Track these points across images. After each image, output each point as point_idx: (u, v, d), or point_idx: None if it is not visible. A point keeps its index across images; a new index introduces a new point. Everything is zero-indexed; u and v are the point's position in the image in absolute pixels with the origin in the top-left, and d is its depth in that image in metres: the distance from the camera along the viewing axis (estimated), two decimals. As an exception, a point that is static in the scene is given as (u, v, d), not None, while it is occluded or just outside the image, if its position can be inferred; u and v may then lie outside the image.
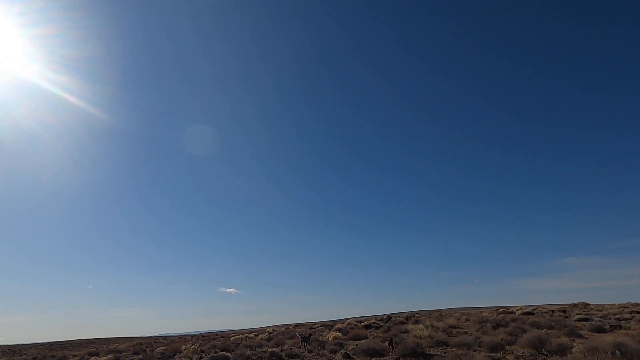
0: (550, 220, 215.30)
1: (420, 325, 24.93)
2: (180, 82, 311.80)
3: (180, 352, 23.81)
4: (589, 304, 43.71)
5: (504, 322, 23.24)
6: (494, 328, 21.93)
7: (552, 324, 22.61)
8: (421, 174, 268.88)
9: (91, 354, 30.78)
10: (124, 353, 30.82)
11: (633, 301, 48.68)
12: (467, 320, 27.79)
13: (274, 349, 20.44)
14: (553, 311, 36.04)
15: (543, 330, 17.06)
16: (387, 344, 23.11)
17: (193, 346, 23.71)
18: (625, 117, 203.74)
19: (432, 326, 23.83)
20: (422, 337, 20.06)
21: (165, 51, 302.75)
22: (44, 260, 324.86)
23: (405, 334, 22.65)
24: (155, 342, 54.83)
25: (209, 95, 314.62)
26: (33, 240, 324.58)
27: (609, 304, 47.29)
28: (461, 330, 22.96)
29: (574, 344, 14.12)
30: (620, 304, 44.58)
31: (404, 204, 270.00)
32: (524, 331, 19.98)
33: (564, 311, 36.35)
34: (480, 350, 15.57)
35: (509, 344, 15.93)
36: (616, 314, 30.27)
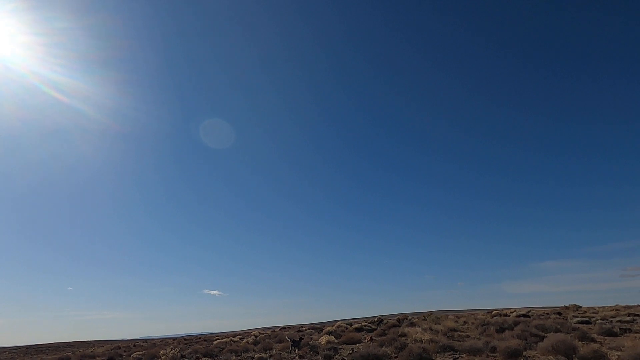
0: (531, 226, 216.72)
1: (418, 329, 23.07)
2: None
3: (157, 358, 21.43)
4: (581, 306, 42.64)
5: (507, 324, 21.53)
6: (498, 331, 20.20)
7: (558, 327, 20.98)
8: (406, 178, 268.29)
9: (62, 360, 28.01)
10: (97, 359, 28.20)
11: (622, 304, 48.00)
12: (465, 322, 26.07)
13: (261, 354, 18.33)
14: (547, 313, 34.66)
15: (563, 334, 15.30)
16: (367, 339, 21.28)
17: (172, 351, 21.38)
18: (604, 130, 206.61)
19: (430, 329, 22.01)
20: (424, 341, 18.20)
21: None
22: (23, 262, 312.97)
23: (403, 338, 20.76)
24: (134, 345, 51.88)
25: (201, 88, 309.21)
26: (11, 241, 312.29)
27: (599, 307, 46.38)
28: (462, 333, 21.18)
29: (605, 350, 12.38)
30: (610, 307, 43.64)
31: (387, 209, 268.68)
32: (533, 335, 18.33)
33: (559, 313, 34.97)
34: (495, 357, 13.75)
35: (525, 348, 14.13)
36: (613, 317, 28.92)
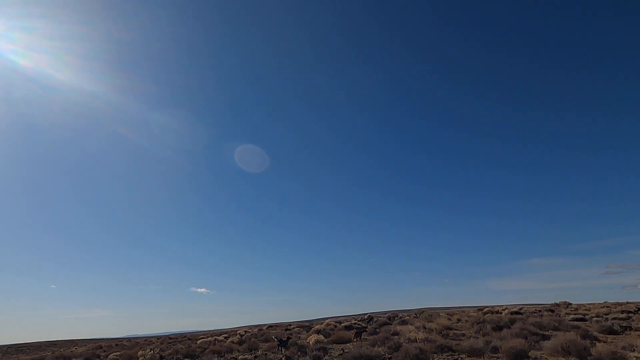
0: (517, 223, 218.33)
1: (411, 327, 21.93)
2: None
3: (135, 359, 19.91)
4: (571, 303, 42.14)
5: (503, 322, 20.50)
6: (495, 330, 19.15)
7: (556, 324, 20.05)
8: (393, 175, 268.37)
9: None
10: (74, 359, 26.50)
11: (610, 300, 47.76)
12: (459, 320, 25.03)
13: (245, 355, 16.95)
14: (540, 310, 33.93)
15: (571, 333, 14.24)
16: (352, 335, 20.06)
17: (151, 352, 19.88)
18: (602, 116, 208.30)
19: (424, 327, 20.86)
20: (418, 340, 17.03)
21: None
22: (5, 260, 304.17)
23: (396, 337, 19.58)
24: (117, 344, 50.01)
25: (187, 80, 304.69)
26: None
27: (588, 303, 46.01)
28: (458, 332, 20.09)
29: (620, 351, 11.30)
30: (600, 303, 43.26)
31: (372, 206, 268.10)
32: (533, 333, 17.31)
33: (552, 310, 34.29)
34: (498, 358, 12.61)
35: (529, 348, 13.02)
36: (607, 314, 28.19)
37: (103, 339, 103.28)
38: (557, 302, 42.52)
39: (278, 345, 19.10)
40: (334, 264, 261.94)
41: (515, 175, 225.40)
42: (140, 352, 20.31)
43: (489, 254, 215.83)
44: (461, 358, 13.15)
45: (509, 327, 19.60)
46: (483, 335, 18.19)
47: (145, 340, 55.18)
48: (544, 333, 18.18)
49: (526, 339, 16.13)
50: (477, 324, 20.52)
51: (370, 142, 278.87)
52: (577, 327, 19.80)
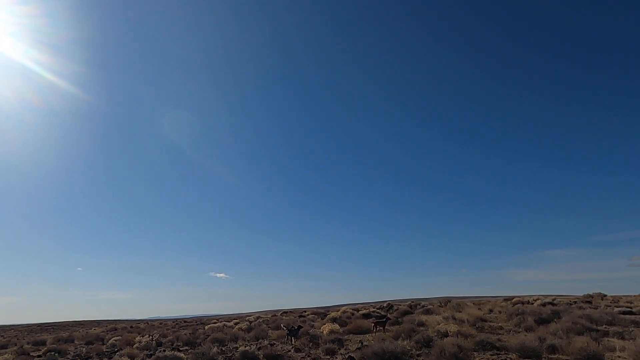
0: (537, 213, 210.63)
1: (437, 317, 19.10)
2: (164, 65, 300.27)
3: (132, 345, 17.75)
4: (606, 295, 38.43)
5: (546, 315, 17.44)
6: (539, 323, 16.15)
7: (611, 319, 16.89)
8: (414, 171, 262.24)
9: (37, 343, 24.55)
10: (76, 342, 24.72)
11: (631, 293, 44.09)
12: (490, 311, 22.04)
13: (249, 346, 14.47)
14: (575, 302, 30.46)
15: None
16: (372, 325, 17.27)
17: (147, 338, 17.72)
18: (612, 116, 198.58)
19: (453, 318, 17.99)
20: (450, 333, 14.20)
21: (154, 35, 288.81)
22: (33, 242, 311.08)
23: (422, 327, 16.80)
24: (132, 326, 48.85)
25: (195, 81, 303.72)
26: (20, 221, 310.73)
27: (623, 295, 42.24)
28: (493, 324, 17.16)
29: None
30: (635, 295, 39.49)
31: (390, 194, 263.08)
32: (588, 329, 14.25)
33: (589, 302, 30.83)
34: (561, 361, 9.69)
35: (603, 350, 10.04)
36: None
37: (125, 320, 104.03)
38: (590, 293, 38.84)
39: (287, 334, 16.61)
40: (351, 251, 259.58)
41: (534, 167, 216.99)
42: (137, 338, 18.16)
43: (507, 245, 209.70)
44: (509, 358, 10.29)
45: (554, 321, 16.60)
46: (527, 330, 15.28)
47: (161, 323, 54.01)
48: (599, 328, 15.11)
49: (584, 335, 13.15)
50: (516, 315, 17.50)
51: (392, 129, 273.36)
52: (638, 323, 16.65)
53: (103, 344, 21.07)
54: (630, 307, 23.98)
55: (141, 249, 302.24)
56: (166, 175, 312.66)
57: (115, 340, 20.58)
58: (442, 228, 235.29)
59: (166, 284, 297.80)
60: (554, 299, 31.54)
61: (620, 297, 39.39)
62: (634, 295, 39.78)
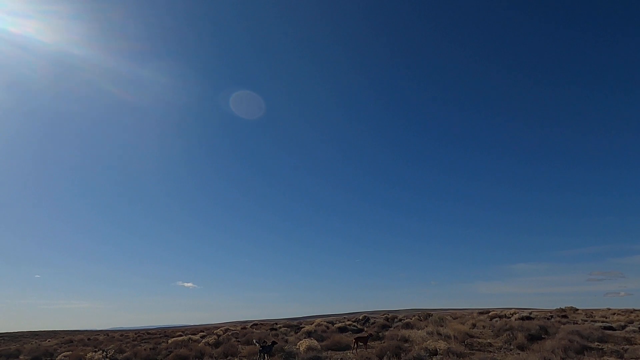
0: (503, 229, 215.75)
1: (421, 332, 17.80)
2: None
3: (82, 363, 15.46)
4: (577, 309, 38.50)
5: (535, 330, 16.43)
6: (531, 339, 15.09)
7: (600, 335, 16.05)
8: (383, 175, 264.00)
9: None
10: (21, 357, 21.90)
11: (589, 307, 44.82)
12: (474, 325, 20.92)
13: (216, 365, 12.63)
14: (551, 316, 29.98)
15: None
16: (352, 341, 15.79)
17: (99, 354, 15.51)
18: (576, 137, 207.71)
19: (438, 333, 16.73)
20: (440, 351, 12.89)
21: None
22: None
23: (407, 344, 15.41)
24: (89, 338, 45.15)
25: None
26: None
27: (594, 309, 42.50)
28: (482, 340, 15.99)
29: None
30: (603, 310, 39.79)
31: (364, 203, 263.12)
32: (585, 347, 13.29)
33: (565, 316, 30.48)
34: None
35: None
36: (630, 322, 24.37)
37: (84, 330, 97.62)
38: (562, 307, 38.82)
39: (260, 351, 14.83)
40: (323, 263, 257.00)
41: (503, 188, 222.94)
42: (89, 354, 15.89)
43: (475, 259, 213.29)
44: (514, 383, 9.01)
45: (544, 337, 15.60)
46: (519, 348, 14.16)
47: (122, 334, 50.30)
48: (593, 346, 14.19)
49: (583, 354, 12.14)
50: (505, 331, 16.40)
51: (363, 152, 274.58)
52: (629, 340, 15.89)
53: (50, 360, 18.58)
54: (608, 322, 23.56)
55: (105, 256, 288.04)
56: (133, 179, 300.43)
57: (64, 356, 18.09)
58: (411, 244, 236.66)
59: (131, 292, 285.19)
60: (530, 313, 30.98)
61: (592, 310, 39.61)
62: (603, 309, 40.10)
